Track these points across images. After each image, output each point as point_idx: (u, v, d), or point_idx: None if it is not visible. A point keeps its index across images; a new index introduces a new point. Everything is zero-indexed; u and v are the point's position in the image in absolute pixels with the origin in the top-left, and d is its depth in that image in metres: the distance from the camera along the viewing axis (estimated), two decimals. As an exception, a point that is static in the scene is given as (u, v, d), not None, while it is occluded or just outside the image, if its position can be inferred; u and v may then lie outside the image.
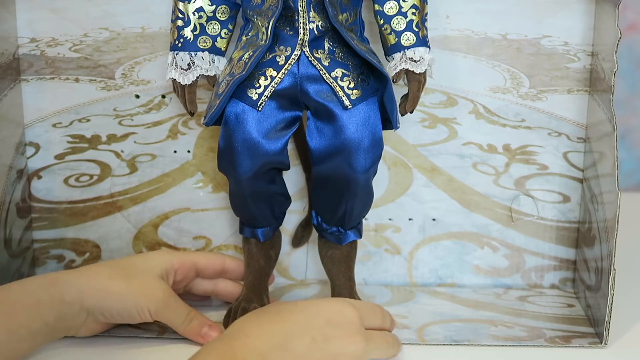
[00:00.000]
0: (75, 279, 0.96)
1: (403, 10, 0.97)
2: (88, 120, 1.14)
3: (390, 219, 1.17)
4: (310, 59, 0.96)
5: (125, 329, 1.03)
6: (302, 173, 1.13)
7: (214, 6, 0.99)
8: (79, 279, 0.96)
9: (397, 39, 0.98)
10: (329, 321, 0.88)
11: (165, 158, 1.16)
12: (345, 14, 0.97)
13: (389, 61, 1.00)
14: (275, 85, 0.96)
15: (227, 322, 1.03)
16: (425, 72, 0.98)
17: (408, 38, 0.98)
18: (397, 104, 1.00)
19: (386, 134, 1.01)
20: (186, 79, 0.99)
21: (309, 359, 0.85)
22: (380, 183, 1.14)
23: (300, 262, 1.18)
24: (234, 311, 1.03)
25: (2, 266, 1.07)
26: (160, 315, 0.98)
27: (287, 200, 1.06)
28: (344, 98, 0.96)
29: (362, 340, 0.88)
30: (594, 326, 1.06)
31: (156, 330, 1.04)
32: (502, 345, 1.02)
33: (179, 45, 0.99)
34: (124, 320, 0.99)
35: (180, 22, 0.99)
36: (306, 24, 0.95)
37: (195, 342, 1.01)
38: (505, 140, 1.14)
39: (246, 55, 0.96)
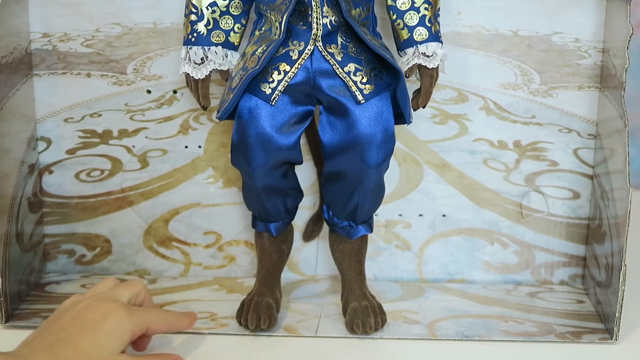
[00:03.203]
0: None
1: (416, 5, 0.98)
2: (99, 115, 1.15)
3: (400, 215, 1.17)
4: (323, 53, 0.97)
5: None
6: (314, 168, 1.14)
7: (227, 1, 0.99)
8: None
9: (409, 34, 0.98)
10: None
11: (177, 153, 1.16)
12: (358, 9, 0.97)
13: (401, 56, 1.00)
14: (289, 80, 0.97)
15: (240, 316, 1.03)
16: (437, 67, 0.99)
17: (421, 33, 0.98)
18: (410, 98, 1.00)
19: (397, 130, 1.01)
20: (199, 74, 1.00)
21: None
22: (390, 179, 1.14)
23: (310, 257, 1.19)
24: (247, 305, 1.03)
25: (14, 260, 1.08)
26: None
27: (299, 194, 1.06)
28: (357, 93, 0.97)
29: None
30: (604, 322, 1.06)
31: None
32: (513, 341, 1.02)
33: (193, 39, 0.99)
34: None
35: (193, 17, 0.99)
36: (319, 19, 0.96)
37: (202, 332, 1.02)
38: (516, 136, 1.14)
39: (259, 50, 0.96)
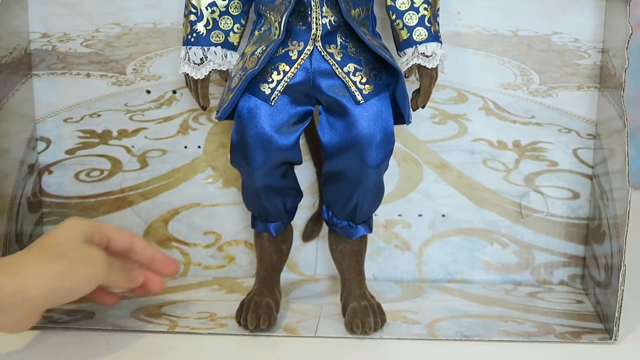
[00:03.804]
0: (17, 267, 0.91)
1: (415, 5, 0.98)
2: (99, 116, 1.15)
3: (400, 215, 1.17)
4: (322, 54, 0.97)
5: (137, 324, 1.04)
6: (313, 168, 1.14)
7: (227, 1, 0.99)
8: (20, 268, 0.90)
9: (409, 34, 0.98)
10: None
11: (176, 153, 1.16)
12: (357, 9, 0.97)
13: (400, 56, 1.00)
14: (288, 80, 0.97)
15: (239, 316, 1.03)
16: (437, 67, 0.99)
17: (420, 33, 0.98)
18: (409, 98, 1.00)
19: (396, 130, 1.01)
20: (199, 74, 1.00)
21: None
22: (390, 179, 1.14)
23: (310, 257, 1.19)
24: (246, 305, 1.03)
25: (14, 260, 1.08)
26: (107, 278, 0.96)
27: (299, 194, 1.06)
28: (357, 93, 0.97)
29: None
30: (603, 322, 1.06)
31: (167, 324, 1.04)
32: (513, 341, 1.02)
33: (192, 40, 0.99)
34: (69, 299, 0.94)
35: (193, 17, 0.99)
36: (319, 19, 0.96)
37: (201, 332, 1.02)
38: (515, 136, 1.14)
39: (259, 50, 0.97)
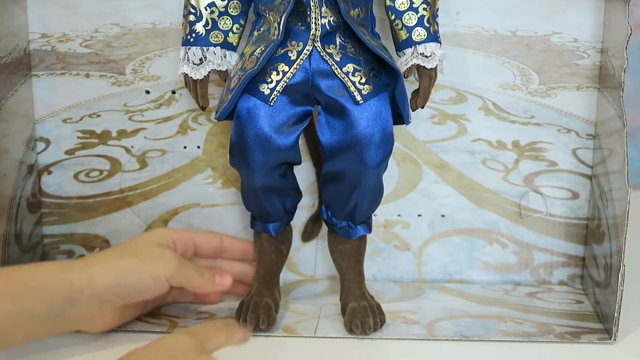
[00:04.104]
0: (86, 264, 0.96)
1: (414, 5, 0.98)
2: (98, 116, 1.15)
3: (399, 215, 1.17)
4: (322, 54, 0.97)
5: (136, 324, 1.04)
6: (312, 168, 1.14)
7: (226, 1, 1.00)
8: (89, 265, 0.95)
9: (408, 34, 0.98)
10: (169, 354, 0.84)
11: (175, 154, 1.16)
12: (356, 10, 0.97)
13: (400, 57, 1.00)
14: (287, 80, 0.97)
15: (239, 315, 1.03)
16: (436, 67, 0.99)
17: (419, 33, 0.98)
18: (408, 99, 1.00)
19: (396, 130, 1.01)
20: (198, 74, 1.00)
21: None
22: (389, 179, 1.14)
23: (309, 257, 1.19)
24: (246, 305, 1.03)
25: (13, 261, 1.08)
26: (177, 277, 0.99)
27: (298, 194, 1.06)
28: (356, 93, 0.97)
29: None
30: (603, 322, 1.06)
31: (167, 324, 1.04)
32: (512, 341, 1.02)
33: (191, 40, 0.99)
34: (141, 296, 0.97)
35: (192, 17, 0.99)
36: (318, 19, 0.96)
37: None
38: (515, 136, 1.14)
39: (258, 50, 0.97)
